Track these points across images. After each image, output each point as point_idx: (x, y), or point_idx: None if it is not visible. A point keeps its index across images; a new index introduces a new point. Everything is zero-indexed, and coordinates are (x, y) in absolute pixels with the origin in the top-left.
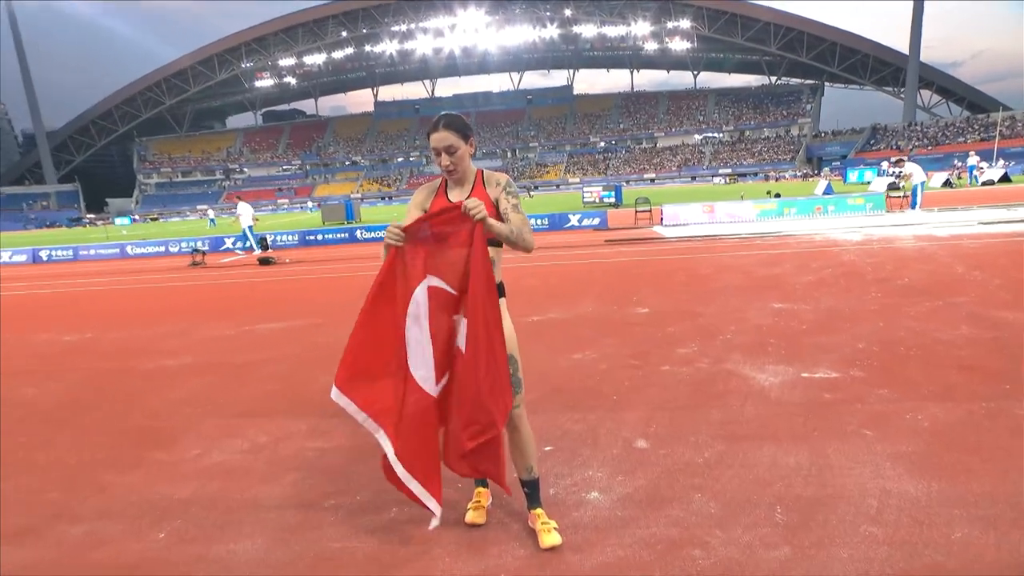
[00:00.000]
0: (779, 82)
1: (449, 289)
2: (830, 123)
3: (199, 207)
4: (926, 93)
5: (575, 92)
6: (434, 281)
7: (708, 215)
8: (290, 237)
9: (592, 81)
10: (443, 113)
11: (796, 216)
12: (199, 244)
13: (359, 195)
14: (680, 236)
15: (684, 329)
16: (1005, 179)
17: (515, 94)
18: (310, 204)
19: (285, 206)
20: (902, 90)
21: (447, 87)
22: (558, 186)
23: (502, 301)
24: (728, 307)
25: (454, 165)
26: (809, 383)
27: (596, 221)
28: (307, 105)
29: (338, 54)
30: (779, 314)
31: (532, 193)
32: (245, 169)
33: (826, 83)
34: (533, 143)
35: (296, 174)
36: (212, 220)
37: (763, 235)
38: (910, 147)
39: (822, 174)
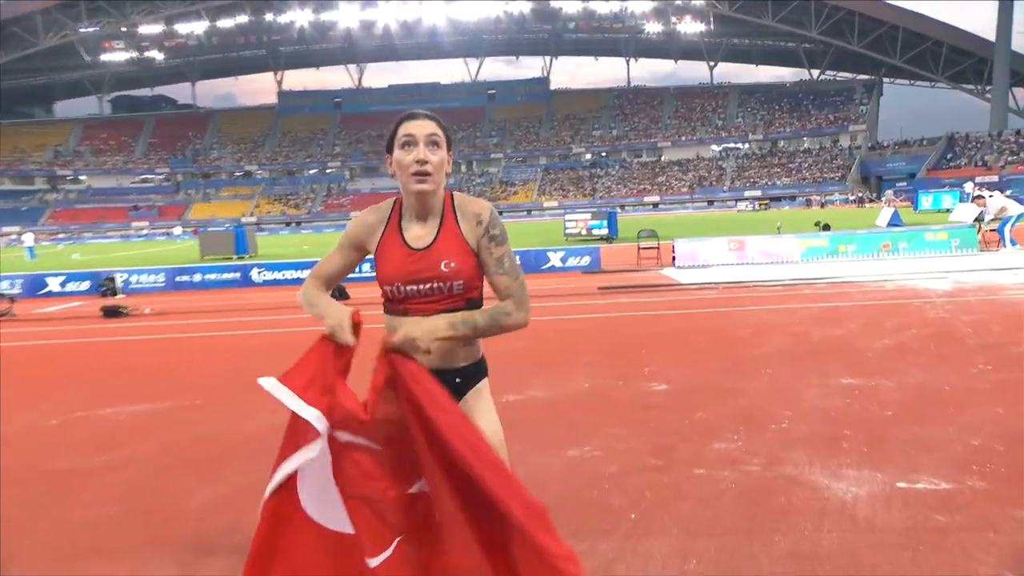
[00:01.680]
0: (823, 77)
1: (374, 447)
2: (891, 131)
3: (6, 230)
4: (1020, 92)
5: (552, 86)
6: (345, 436)
7: (736, 253)
8: (152, 277)
9: (575, 72)
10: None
11: (855, 256)
12: (5, 286)
13: (254, 219)
14: (701, 282)
15: (719, 414)
16: None
17: (472, 87)
18: (179, 230)
19: (144, 232)
20: (988, 88)
21: (380, 75)
22: (529, 211)
23: (484, 384)
24: (777, 382)
25: (433, 169)
26: (910, 497)
27: (585, 261)
28: (180, 91)
29: (226, 22)
30: (850, 393)
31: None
32: (83, 177)
33: (885, 79)
34: (496, 153)
35: (162, 186)
36: (30, 250)
37: (813, 281)
38: (1000, 164)
39: (884, 199)
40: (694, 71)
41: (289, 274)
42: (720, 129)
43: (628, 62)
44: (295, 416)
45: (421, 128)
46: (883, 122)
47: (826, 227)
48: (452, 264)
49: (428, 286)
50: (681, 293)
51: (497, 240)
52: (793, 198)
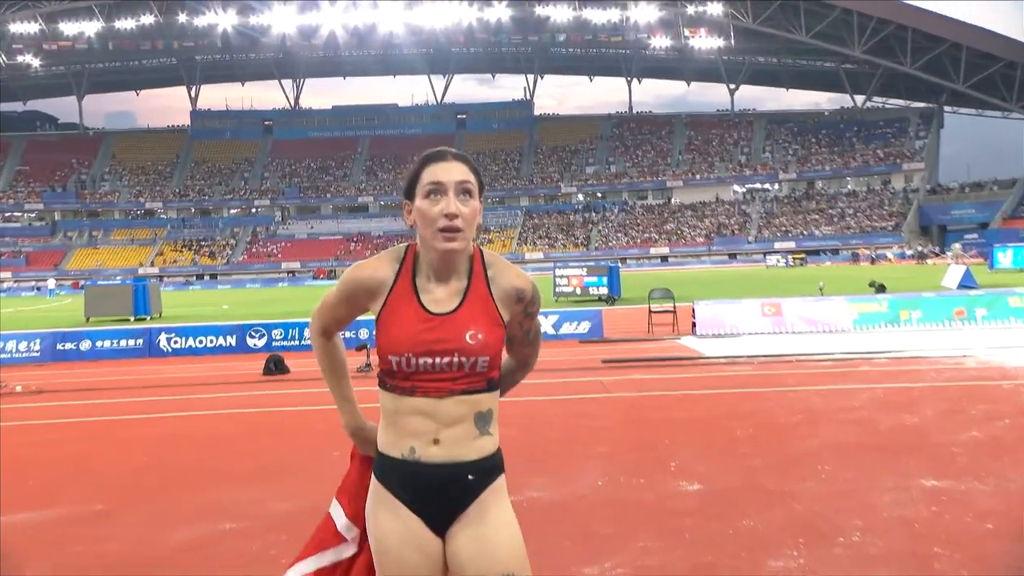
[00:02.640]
0: (870, 104)
1: None
2: (955, 170)
3: None
4: None
5: (537, 111)
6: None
7: (771, 319)
8: (25, 345)
9: (565, 95)
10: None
11: (922, 325)
12: None
13: (155, 269)
14: (730, 355)
15: (770, 523)
16: None
17: (438, 111)
18: (53, 283)
19: (5, 286)
20: None
21: (322, 94)
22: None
23: (502, 481)
24: (839, 484)
25: (464, 224)
26: None
27: (584, 327)
28: (63, 107)
29: (126, 23)
30: (936, 499)
31: None
32: None
33: (946, 107)
34: None
35: (33, 227)
36: None
37: (871, 356)
38: None
39: (950, 253)
40: (711, 95)
41: (209, 340)
42: (744, 166)
43: (630, 83)
44: (328, 516)
45: (450, 173)
46: (945, 159)
47: (881, 288)
48: (480, 336)
49: (447, 360)
50: (706, 368)
51: (533, 315)
52: (836, 251)
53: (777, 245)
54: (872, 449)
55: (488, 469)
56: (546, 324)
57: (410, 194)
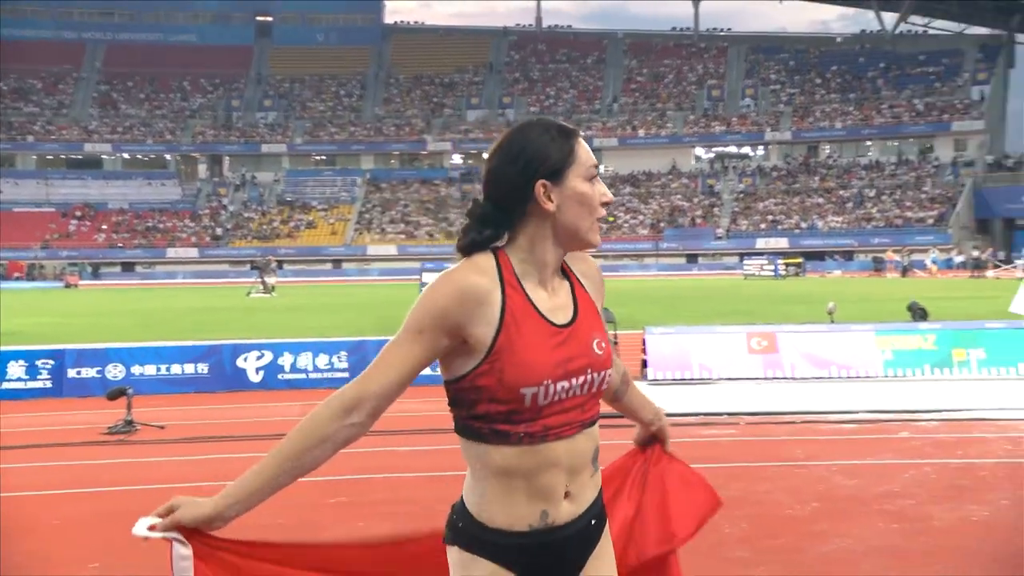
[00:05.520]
0: (904, 28)
1: None
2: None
3: None
4: None
5: (390, 18)
6: None
7: (762, 357)
8: None
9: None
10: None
11: (984, 370)
12: None
13: None
14: (703, 412)
15: None
16: None
17: (224, 8)
18: None
19: None
20: None
21: None
22: (337, 263)
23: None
24: None
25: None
26: None
27: None
28: None
29: None
30: None
31: (273, 283)
32: None
33: (1019, 36)
34: (273, 143)
35: None
36: None
37: (913, 415)
38: None
39: (1021, 262)
40: (664, 6)
41: None
42: (712, 119)
43: None
44: None
45: (594, 156)
46: (1016, 116)
47: (923, 313)
48: (603, 344)
49: (581, 380)
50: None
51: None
52: (850, 255)
53: (761, 243)
54: (925, 557)
55: (602, 507)
56: None
57: (556, 173)
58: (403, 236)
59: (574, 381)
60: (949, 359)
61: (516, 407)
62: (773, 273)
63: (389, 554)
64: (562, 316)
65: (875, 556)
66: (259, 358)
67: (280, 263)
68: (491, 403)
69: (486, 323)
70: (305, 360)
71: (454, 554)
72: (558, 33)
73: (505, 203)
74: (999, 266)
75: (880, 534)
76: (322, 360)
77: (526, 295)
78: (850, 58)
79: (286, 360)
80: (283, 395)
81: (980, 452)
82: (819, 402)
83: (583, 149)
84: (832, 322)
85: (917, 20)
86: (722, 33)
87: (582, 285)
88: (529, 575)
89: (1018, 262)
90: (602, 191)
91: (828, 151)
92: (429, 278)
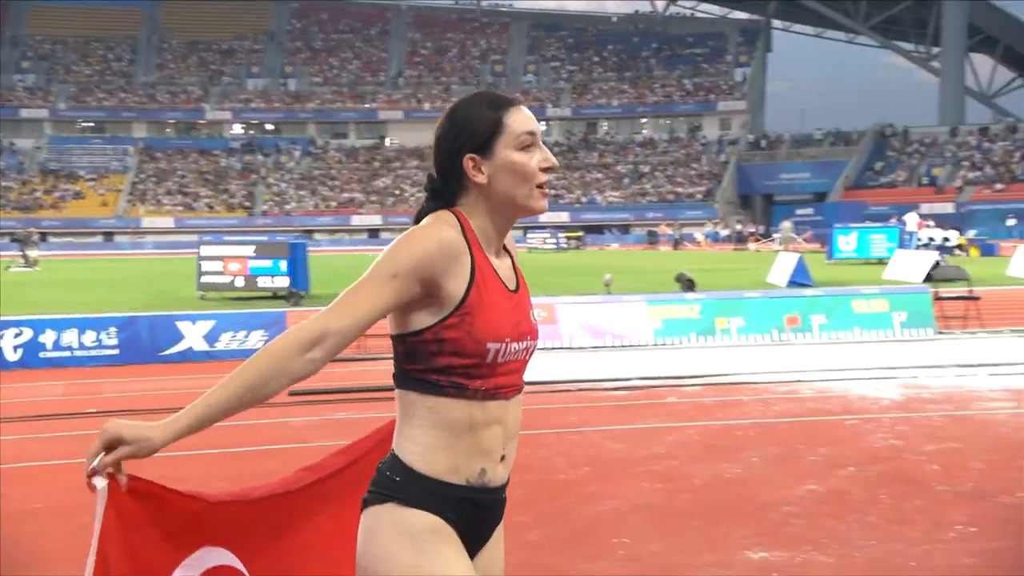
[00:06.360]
0: (675, 10)
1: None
2: (786, 116)
3: None
4: (984, 62)
5: None
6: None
7: (541, 328)
8: None
9: None
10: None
11: (743, 336)
12: None
13: None
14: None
15: None
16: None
17: None
18: None
19: None
20: (936, 52)
21: None
22: (110, 235)
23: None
24: (642, 563)
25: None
26: None
27: (256, 339)
28: None
29: None
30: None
31: (36, 256)
32: None
33: (775, 22)
34: (33, 107)
35: None
36: None
37: (679, 381)
38: (956, 183)
39: (777, 235)
40: None
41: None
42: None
43: None
44: None
45: (535, 122)
46: (773, 97)
47: (689, 284)
48: (536, 316)
49: (525, 345)
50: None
51: None
52: (627, 229)
53: (543, 217)
54: (684, 513)
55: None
56: (192, 335)
57: (484, 147)
58: (181, 208)
59: (521, 344)
60: (713, 327)
61: (478, 361)
62: (555, 246)
63: (313, 495)
64: (511, 283)
65: (639, 514)
66: (17, 335)
67: (44, 235)
68: (454, 356)
69: (459, 277)
70: (70, 337)
71: (388, 513)
72: (341, 2)
73: (446, 176)
74: (760, 240)
75: (645, 493)
76: (89, 337)
77: (486, 256)
78: (625, 38)
79: (48, 337)
80: (44, 374)
81: (738, 414)
82: (594, 370)
83: (515, 119)
84: (608, 292)
85: (686, 3)
86: (504, 8)
87: (513, 258)
88: (464, 530)
89: (775, 235)
90: (542, 157)
91: (606, 128)
92: (208, 251)
